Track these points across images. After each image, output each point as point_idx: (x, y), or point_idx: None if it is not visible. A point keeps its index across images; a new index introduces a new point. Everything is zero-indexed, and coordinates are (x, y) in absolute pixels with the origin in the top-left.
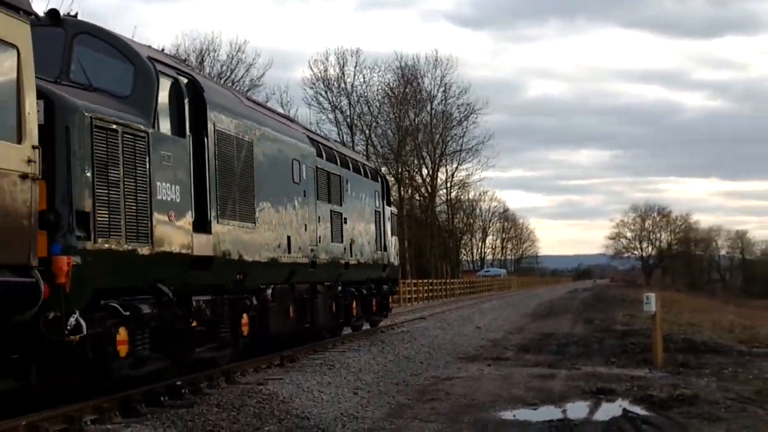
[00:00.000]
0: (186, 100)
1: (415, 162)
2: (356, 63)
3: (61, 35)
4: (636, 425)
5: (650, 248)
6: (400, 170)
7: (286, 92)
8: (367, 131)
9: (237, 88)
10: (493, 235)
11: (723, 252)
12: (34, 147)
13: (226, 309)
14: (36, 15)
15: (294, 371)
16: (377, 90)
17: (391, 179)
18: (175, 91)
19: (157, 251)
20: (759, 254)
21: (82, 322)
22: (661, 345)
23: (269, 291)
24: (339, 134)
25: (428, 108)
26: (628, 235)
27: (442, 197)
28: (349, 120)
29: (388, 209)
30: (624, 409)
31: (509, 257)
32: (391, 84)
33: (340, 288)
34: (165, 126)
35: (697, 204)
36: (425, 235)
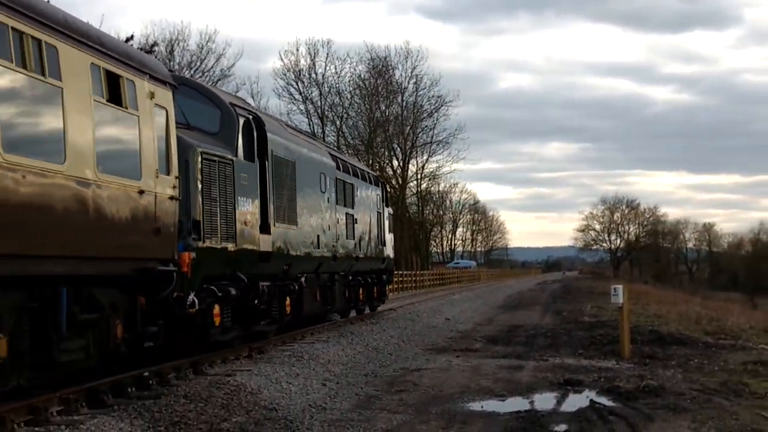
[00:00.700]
0: (255, 134)
1: (386, 154)
2: (327, 54)
3: None
4: (603, 416)
5: (619, 241)
6: (370, 162)
7: (257, 83)
8: (338, 122)
9: (207, 79)
10: (463, 227)
11: (690, 245)
12: (176, 177)
13: (276, 292)
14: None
15: (263, 363)
16: (348, 81)
17: None
18: (247, 126)
19: (239, 248)
20: (725, 247)
21: (196, 300)
22: (628, 337)
23: (303, 279)
24: (310, 125)
25: (399, 100)
26: (597, 227)
27: (413, 189)
28: (320, 111)
29: (386, 210)
30: (591, 400)
31: (479, 249)
32: (362, 75)
33: (350, 277)
34: (242, 154)
35: (665, 197)
36: (395, 226)
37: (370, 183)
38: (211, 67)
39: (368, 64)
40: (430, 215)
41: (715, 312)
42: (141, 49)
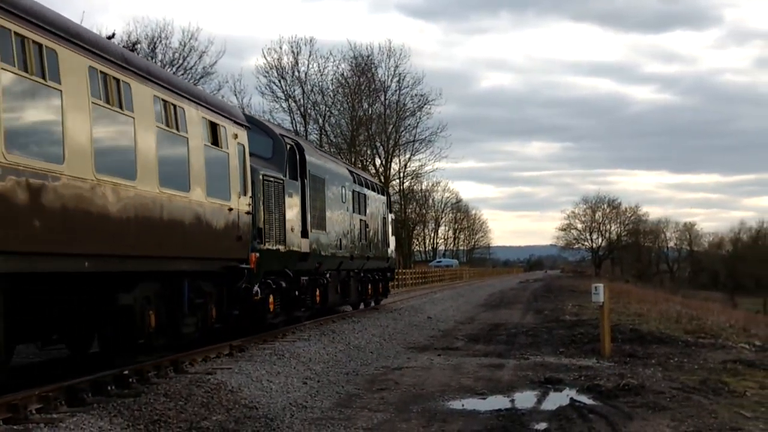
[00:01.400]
0: (297, 157)
1: (369, 152)
2: (310, 52)
3: None
4: (583, 415)
5: (600, 240)
6: (353, 160)
7: (240, 80)
8: (321, 121)
9: (189, 77)
10: (445, 225)
11: (671, 244)
12: (251, 197)
13: (310, 285)
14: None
15: (243, 361)
16: (331, 79)
17: None
18: (291, 152)
19: (287, 249)
20: (706, 247)
21: (259, 290)
22: (608, 335)
23: (328, 275)
24: (292, 123)
25: (382, 98)
26: (579, 226)
27: (395, 187)
28: (302, 109)
29: (390, 215)
30: (571, 399)
31: (461, 248)
32: (345, 74)
33: (362, 274)
34: (288, 174)
35: (646, 196)
36: None
37: (378, 192)
38: (194, 65)
39: (351, 62)
40: (413, 214)
41: (695, 311)
42: (125, 47)
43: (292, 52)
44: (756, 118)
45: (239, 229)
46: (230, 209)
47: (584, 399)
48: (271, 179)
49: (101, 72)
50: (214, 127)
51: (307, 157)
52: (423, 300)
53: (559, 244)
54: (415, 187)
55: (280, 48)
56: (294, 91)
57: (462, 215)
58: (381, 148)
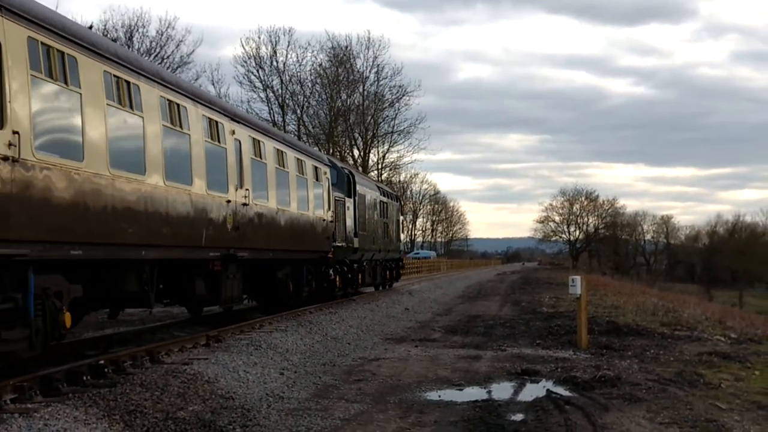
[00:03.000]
0: (352, 182)
1: (347, 143)
2: (289, 42)
3: None
4: (559, 406)
5: (578, 232)
6: (331, 151)
7: (218, 70)
8: (299, 111)
9: (167, 66)
10: (423, 217)
11: (648, 237)
12: (333, 212)
13: (356, 271)
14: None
15: (220, 351)
16: (310, 70)
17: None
18: (348, 178)
19: (347, 246)
20: (683, 240)
21: (332, 273)
22: (585, 327)
23: (365, 263)
24: (270, 113)
25: (361, 89)
26: (557, 218)
27: (373, 179)
28: (280, 99)
29: (400, 217)
30: (548, 390)
31: (440, 239)
32: (323, 64)
33: (384, 263)
34: (346, 193)
35: (623, 189)
36: None
37: (394, 200)
38: (171, 54)
39: (329, 52)
40: None
41: (671, 303)
42: (105, 35)
43: (271, 41)
44: (732, 113)
45: (327, 232)
46: (323, 220)
47: (561, 390)
48: (340, 198)
49: (167, 100)
50: (317, 170)
51: (356, 180)
52: (400, 292)
53: (537, 237)
54: (393, 178)
55: (259, 38)
56: (272, 81)
57: (440, 207)
58: (359, 139)
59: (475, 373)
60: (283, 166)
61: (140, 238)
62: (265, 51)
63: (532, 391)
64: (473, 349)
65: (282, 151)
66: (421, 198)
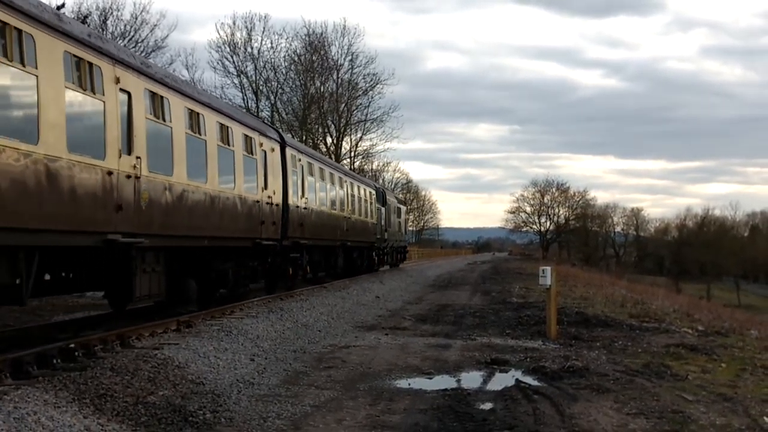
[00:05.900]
0: (385, 195)
1: (320, 130)
2: (264, 28)
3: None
4: (528, 395)
5: (548, 223)
6: (304, 138)
7: (192, 55)
8: (273, 98)
9: (141, 50)
10: None
11: (618, 229)
12: (377, 216)
13: (383, 254)
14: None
15: (190, 337)
16: (284, 56)
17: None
18: (382, 193)
19: (381, 237)
20: (652, 232)
21: (374, 255)
22: (555, 318)
23: (387, 249)
24: (244, 99)
25: (334, 76)
26: (528, 209)
27: (346, 166)
28: (254, 85)
29: (405, 216)
30: (517, 380)
31: (411, 228)
32: (298, 51)
33: (396, 248)
34: (381, 203)
35: (593, 181)
36: None
37: (403, 205)
38: (145, 38)
39: (304, 39)
40: None
41: (640, 295)
42: (77, 18)
43: (246, 27)
44: (700, 107)
45: (375, 229)
46: (372, 223)
47: (529, 380)
48: (378, 208)
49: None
50: (377, 190)
51: (386, 195)
52: (371, 280)
53: (508, 227)
54: (365, 166)
55: (234, 23)
56: (246, 67)
57: (412, 196)
58: (332, 126)
59: (444, 362)
60: (355, 195)
61: None
62: (239, 37)
63: (501, 381)
64: (443, 338)
65: (250, 137)
66: (393, 187)
